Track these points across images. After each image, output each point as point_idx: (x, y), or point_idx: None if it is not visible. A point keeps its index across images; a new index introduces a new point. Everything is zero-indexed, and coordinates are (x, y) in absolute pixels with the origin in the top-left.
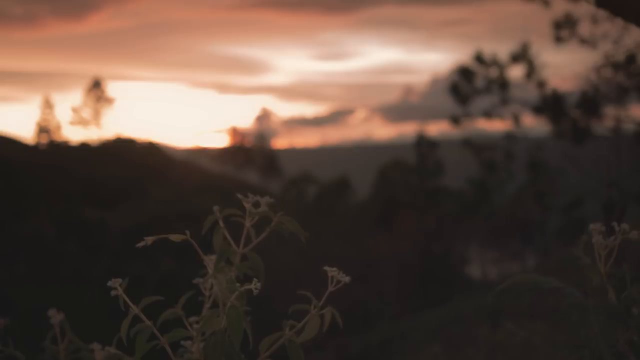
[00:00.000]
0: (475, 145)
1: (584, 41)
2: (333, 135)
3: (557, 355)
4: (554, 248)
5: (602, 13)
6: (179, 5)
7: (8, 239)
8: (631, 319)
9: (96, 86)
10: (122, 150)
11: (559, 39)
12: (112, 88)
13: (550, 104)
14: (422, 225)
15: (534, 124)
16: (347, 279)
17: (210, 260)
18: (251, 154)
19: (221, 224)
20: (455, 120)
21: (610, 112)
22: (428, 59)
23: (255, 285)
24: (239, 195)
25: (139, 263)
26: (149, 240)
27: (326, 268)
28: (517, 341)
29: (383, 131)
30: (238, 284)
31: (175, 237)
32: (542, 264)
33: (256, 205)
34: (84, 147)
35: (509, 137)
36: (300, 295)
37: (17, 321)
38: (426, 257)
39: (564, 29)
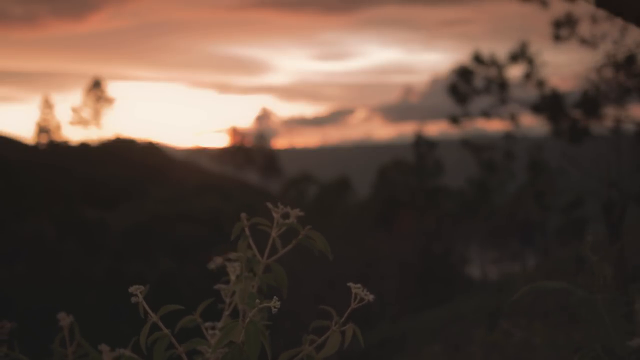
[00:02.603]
0: (474, 145)
1: (583, 40)
2: (333, 135)
3: (557, 355)
4: (554, 248)
5: (601, 13)
6: (179, 5)
7: (8, 239)
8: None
9: (96, 86)
10: (122, 150)
11: (558, 38)
12: (112, 88)
13: (550, 104)
14: (422, 225)
15: (533, 124)
16: (370, 297)
17: (232, 268)
18: (251, 154)
19: (247, 232)
20: (454, 120)
21: (610, 112)
22: (428, 59)
23: (275, 304)
24: (269, 205)
25: (138, 263)
26: (219, 260)
27: (350, 284)
28: (516, 341)
29: (383, 131)
30: (258, 300)
31: (235, 256)
32: (541, 264)
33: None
34: (84, 147)
35: (508, 137)
36: (300, 295)
37: (17, 321)
38: (426, 257)
39: (563, 27)
